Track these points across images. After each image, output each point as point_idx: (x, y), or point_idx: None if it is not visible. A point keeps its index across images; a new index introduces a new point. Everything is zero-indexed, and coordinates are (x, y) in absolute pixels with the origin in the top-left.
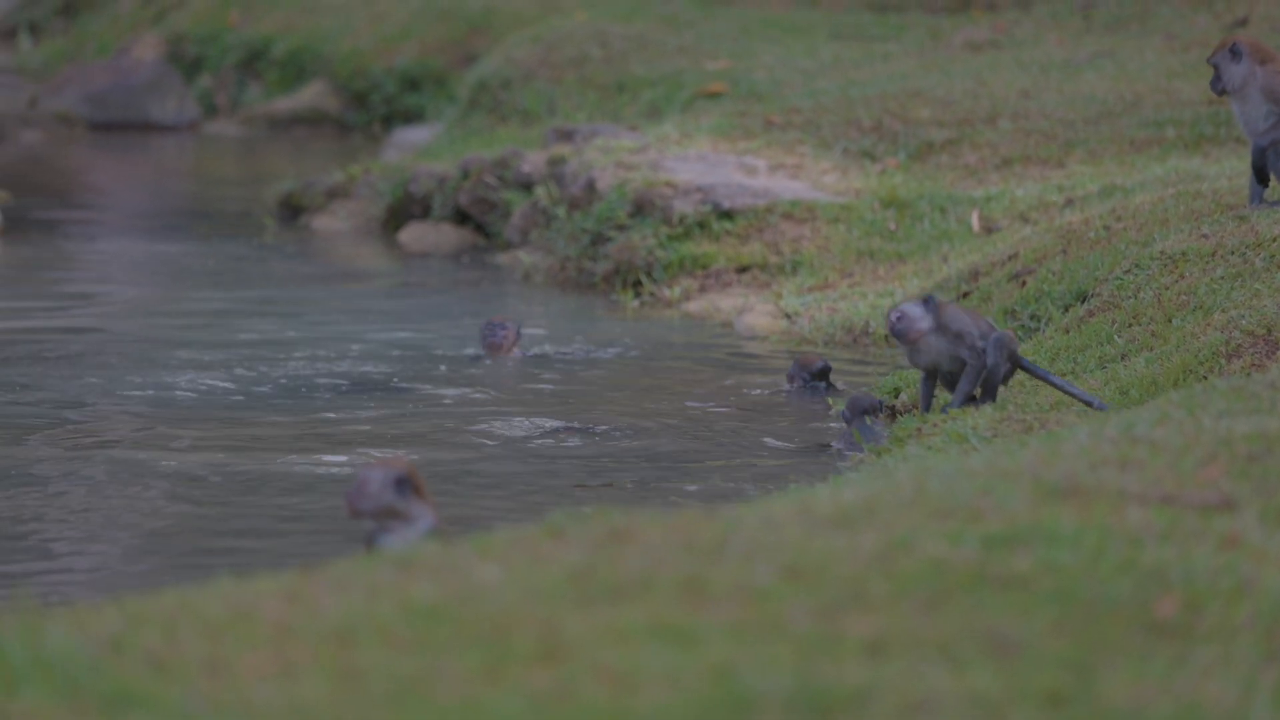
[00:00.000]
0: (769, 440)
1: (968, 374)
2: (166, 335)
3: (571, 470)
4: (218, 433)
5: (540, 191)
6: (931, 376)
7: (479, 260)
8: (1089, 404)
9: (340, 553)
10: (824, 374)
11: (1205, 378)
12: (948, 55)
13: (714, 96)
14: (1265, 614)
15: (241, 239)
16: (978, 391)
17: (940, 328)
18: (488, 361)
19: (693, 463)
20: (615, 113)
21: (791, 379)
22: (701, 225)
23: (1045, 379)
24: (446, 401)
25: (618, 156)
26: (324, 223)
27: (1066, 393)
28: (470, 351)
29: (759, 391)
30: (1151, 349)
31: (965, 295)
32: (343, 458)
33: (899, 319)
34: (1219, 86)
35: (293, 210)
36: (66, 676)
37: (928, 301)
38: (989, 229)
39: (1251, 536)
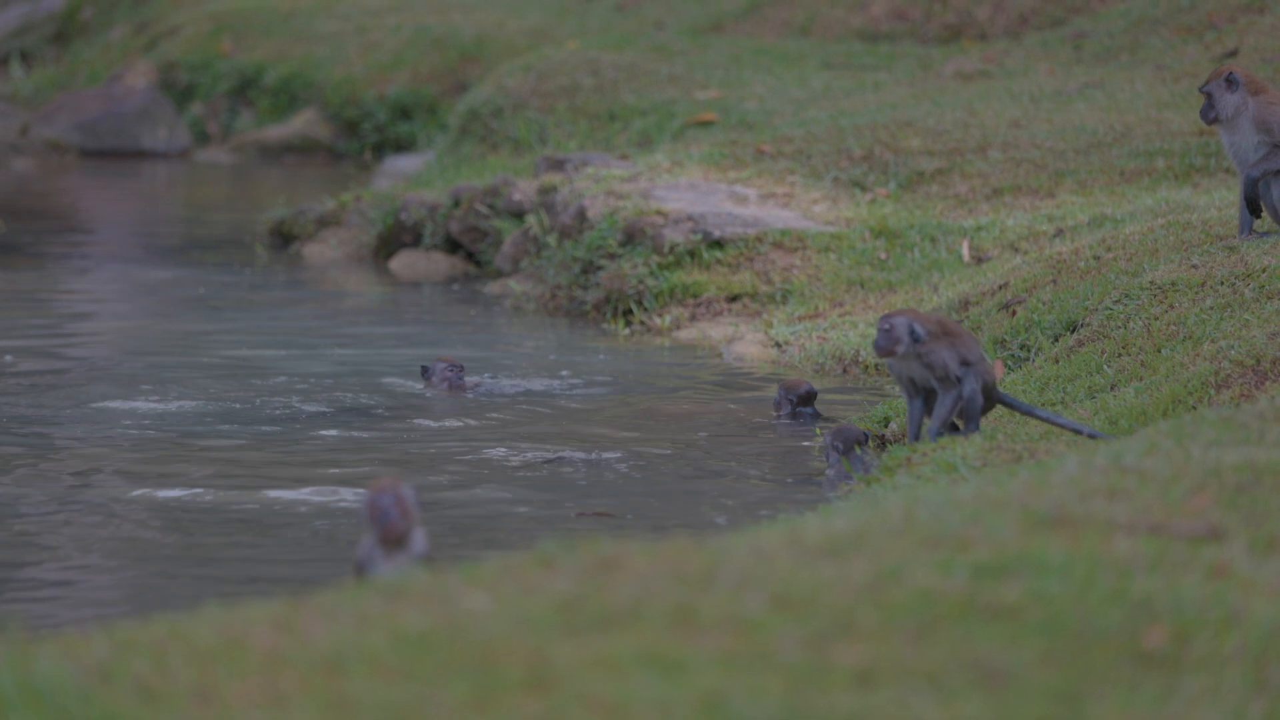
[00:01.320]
0: (758, 469)
1: (942, 401)
2: (156, 363)
3: (560, 499)
4: (205, 460)
5: (531, 220)
6: (916, 394)
7: (470, 288)
8: (1079, 432)
9: (330, 581)
10: (809, 399)
11: (1194, 408)
12: (938, 85)
13: (705, 125)
14: (1254, 644)
15: (232, 267)
16: (960, 421)
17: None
18: (438, 399)
19: (682, 492)
20: (606, 141)
21: (779, 406)
22: (692, 254)
23: (1017, 407)
24: (435, 430)
25: (608, 185)
26: (315, 250)
27: (1052, 423)
28: (426, 390)
29: (749, 420)
30: (1141, 379)
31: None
32: (331, 486)
33: (889, 329)
34: (1210, 115)
35: (284, 238)
36: (56, 705)
37: (915, 333)
38: (979, 259)
39: (1240, 567)
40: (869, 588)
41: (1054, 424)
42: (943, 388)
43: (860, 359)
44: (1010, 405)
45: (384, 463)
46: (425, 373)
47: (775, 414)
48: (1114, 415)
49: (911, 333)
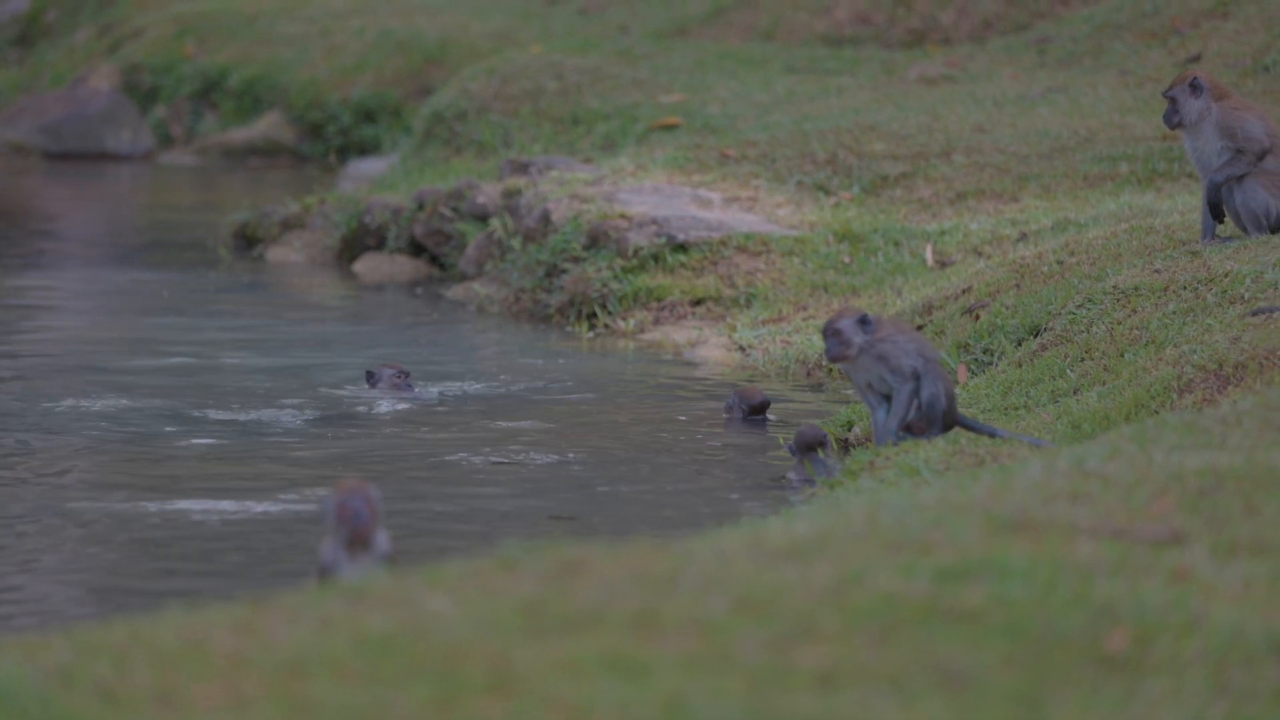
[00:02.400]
0: (721, 473)
1: (898, 396)
2: (114, 366)
3: (524, 502)
4: (163, 464)
5: (495, 223)
6: (880, 403)
7: (433, 292)
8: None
9: (291, 584)
10: (763, 408)
11: (1157, 412)
12: (902, 89)
13: (669, 129)
14: (1215, 648)
15: (196, 269)
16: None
17: (868, 347)
18: (384, 402)
19: (645, 495)
20: (570, 145)
21: (730, 410)
22: (656, 258)
23: (978, 429)
24: (395, 435)
25: (573, 189)
26: (279, 253)
27: (990, 435)
28: (369, 391)
29: (712, 424)
30: (1104, 383)
31: (919, 329)
32: (290, 491)
33: (838, 333)
34: (1174, 120)
35: (247, 241)
36: (16, 707)
37: (865, 320)
38: (943, 263)
39: (1202, 570)
40: (831, 591)
41: (1017, 440)
42: (898, 381)
43: (824, 363)
44: (969, 427)
45: (343, 467)
46: (370, 378)
47: (726, 415)
48: (1077, 420)
49: (862, 323)
